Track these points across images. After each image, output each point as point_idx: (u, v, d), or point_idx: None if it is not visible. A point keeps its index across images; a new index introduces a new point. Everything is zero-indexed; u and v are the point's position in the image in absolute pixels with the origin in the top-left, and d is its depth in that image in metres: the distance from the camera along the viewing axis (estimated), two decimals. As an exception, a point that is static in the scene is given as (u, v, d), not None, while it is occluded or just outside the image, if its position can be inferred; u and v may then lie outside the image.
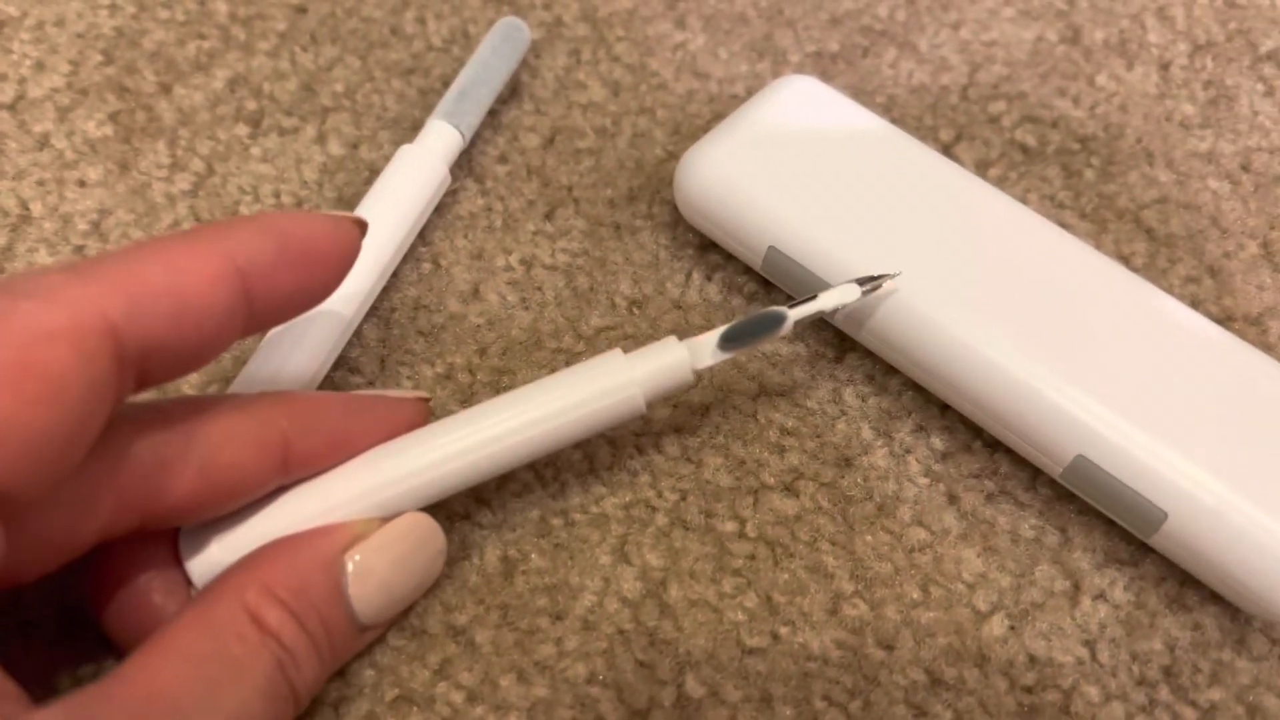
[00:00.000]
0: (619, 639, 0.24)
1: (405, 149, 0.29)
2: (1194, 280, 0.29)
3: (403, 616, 0.24)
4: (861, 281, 0.24)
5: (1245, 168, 0.31)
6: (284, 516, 0.22)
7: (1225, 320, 0.28)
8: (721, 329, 0.24)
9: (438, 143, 0.29)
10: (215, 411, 0.21)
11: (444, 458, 0.22)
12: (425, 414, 0.24)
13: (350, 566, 0.21)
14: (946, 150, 0.31)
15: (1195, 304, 0.28)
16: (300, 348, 0.26)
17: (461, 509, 0.25)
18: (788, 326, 0.24)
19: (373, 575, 0.22)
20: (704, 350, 0.24)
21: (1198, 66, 0.33)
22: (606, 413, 0.23)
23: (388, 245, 0.28)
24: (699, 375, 0.24)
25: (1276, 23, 0.34)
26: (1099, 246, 0.29)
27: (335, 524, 0.22)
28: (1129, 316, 0.25)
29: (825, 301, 0.24)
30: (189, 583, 0.22)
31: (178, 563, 0.22)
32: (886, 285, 0.25)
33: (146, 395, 0.27)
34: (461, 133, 0.30)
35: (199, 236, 0.19)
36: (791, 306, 0.24)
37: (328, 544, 0.21)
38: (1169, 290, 0.28)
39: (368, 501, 0.22)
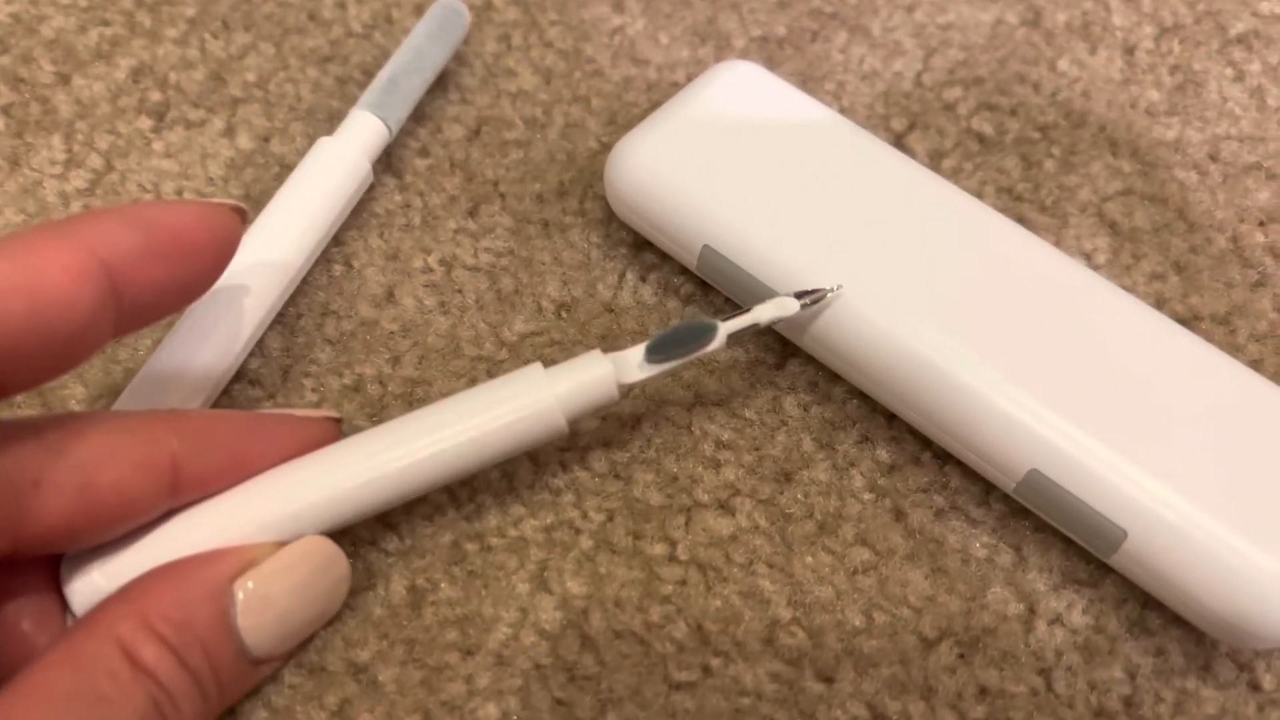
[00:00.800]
0: (535, 675, 0.22)
1: (324, 141, 0.27)
2: (1159, 277, 0.27)
3: (301, 650, 0.22)
4: (800, 295, 0.23)
5: (1214, 157, 0.29)
6: (172, 541, 0.20)
7: (1192, 320, 0.27)
8: (647, 341, 0.22)
9: (360, 135, 0.27)
10: (96, 428, 0.19)
11: (347, 480, 0.21)
12: (334, 435, 0.22)
13: (240, 595, 0.20)
14: (898, 140, 0.30)
15: (1160, 303, 0.27)
16: (197, 356, 0.24)
17: (367, 534, 0.23)
18: (719, 340, 0.22)
19: (266, 605, 0.20)
20: (630, 364, 0.22)
21: (1164, 50, 0.31)
22: (524, 433, 0.21)
23: (299, 247, 0.26)
24: (625, 391, 0.22)
25: (1247, 4, 0.32)
26: (1059, 242, 0.28)
27: (225, 549, 0.20)
28: (1088, 320, 0.23)
29: (760, 314, 0.22)
30: (70, 612, 0.20)
31: (58, 590, 0.20)
32: (827, 298, 0.23)
33: (28, 411, 0.25)
34: (388, 126, 0.28)
35: (56, 229, 0.18)
36: (725, 319, 0.22)
37: (215, 570, 0.20)
38: (1133, 288, 0.27)
39: (263, 525, 0.20)
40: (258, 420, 0.22)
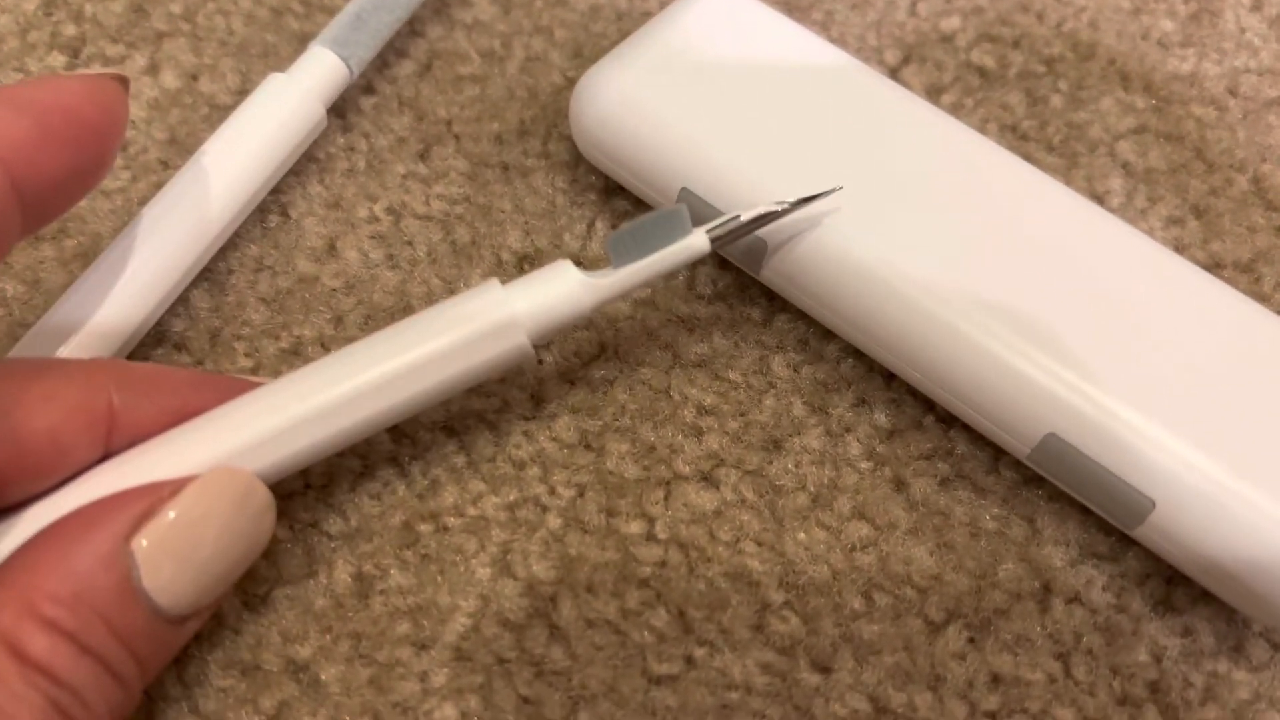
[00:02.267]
0: (499, 671, 0.19)
1: (275, 78, 0.24)
2: (1177, 222, 0.25)
3: (233, 635, 0.19)
4: (796, 204, 0.20)
5: (1232, 92, 0.27)
6: (73, 496, 0.18)
7: (1213, 267, 0.24)
8: (610, 238, 0.19)
9: (316, 75, 0.24)
10: (31, 373, 0.18)
11: (286, 415, 0.18)
12: None
13: (143, 547, 0.17)
14: (893, 75, 0.27)
15: (1179, 249, 0.25)
16: (105, 311, 0.21)
17: (306, 514, 0.21)
18: (698, 238, 0.19)
19: (174, 557, 0.17)
20: (599, 275, 0.19)
21: (1177, -24, 0.29)
22: (483, 356, 0.19)
23: (234, 195, 0.23)
24: (596, 301, 0.19)
25: (1263, -73, 0.30)
26: (1069, 184, 0.25)
27: (115, 496, 0.17)
28: (1110, 269, 0.21)
29: (745, 213, 0.20)
30: None
31: None
32: (822, 204, 0.20)
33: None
34: (349, 66, 0.25)
35: None
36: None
37: (107, 528, 0.17)
38: (1149, 234, 0.25)
39: (177, 470, 0.18)
40: (205, 378, 0.20)
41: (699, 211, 0.22)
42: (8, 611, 0.16)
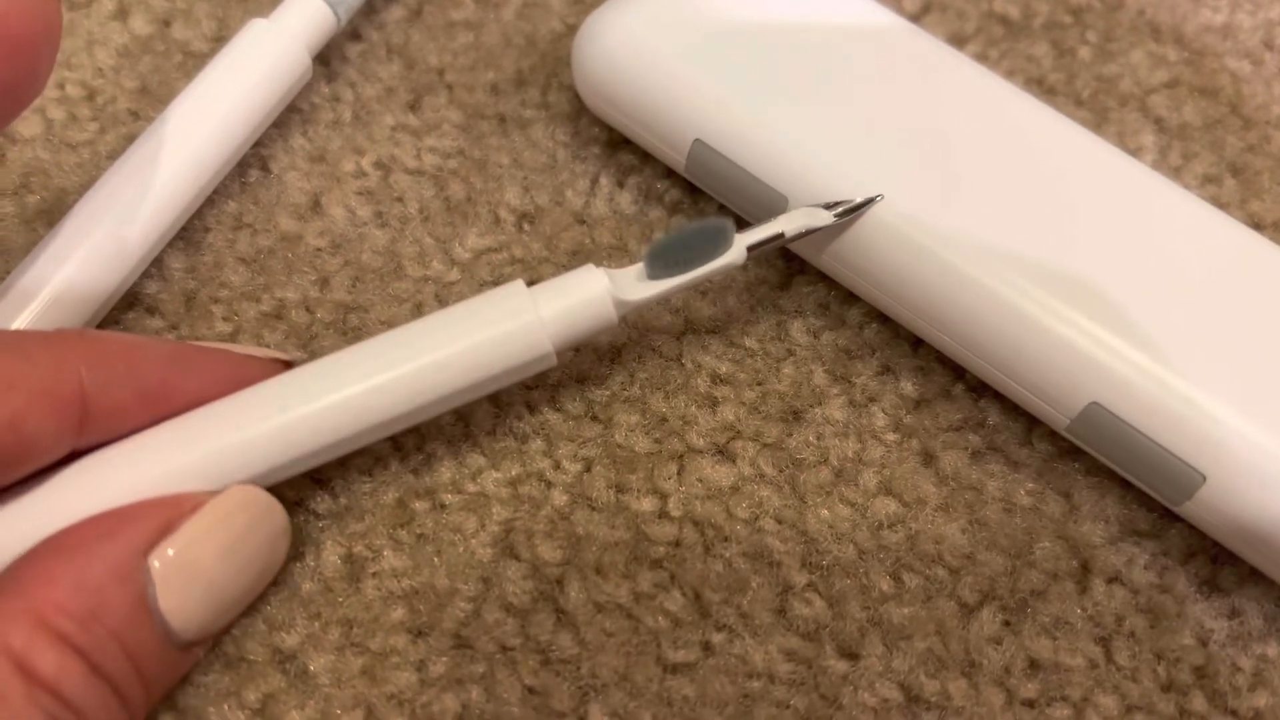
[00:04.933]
0: (502, 660, 0.18)
1: (256, 24, 0.23)
2: (1213, 180, 0.24)
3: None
4: (832, 206, 0.19)
5: (1268, 45, 0.26)
6: (72, 495, 0.16)
7: (1253, 228, 0.23)
8: (647, 248, 0.18)
9: (302, 21, 0.23)
10: None
11: (293, 416, 0.17)
12: None
13: (158, 568, 0.16)
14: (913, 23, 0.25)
15: (1217, 209, 0.23)
16: (75, 273, 0.20)
17: (291, 492, 0.19)
18: (738, 250, 0.18)
19: (192, 577, 0.16)
20: (628, 280, 0.18)
21: (1208, -77, 0.28)
22: (504, 362, 0.18)
23: (213, 150, 0.22)
24: (624, 312, 0.18)
25: (1296, -128, 0.29)
26: (1099, 140, 0.24)
27: (134, 507, 0.16)
28: (1155, 226, 0.20)
29: (786, 224, 0.19)
30: None
31: None
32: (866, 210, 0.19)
33: None
34: (336, 13, 0.23)
35: None
36: (740, 232, 0.19)
37: (125, 540, 0.16)
38: (1186, 192, 0.23)
39: (187, 473, 0.17)
40: (186, 351, 0.18)
41: (712, 167, 0.21)
42: (20, 625, 0.15)
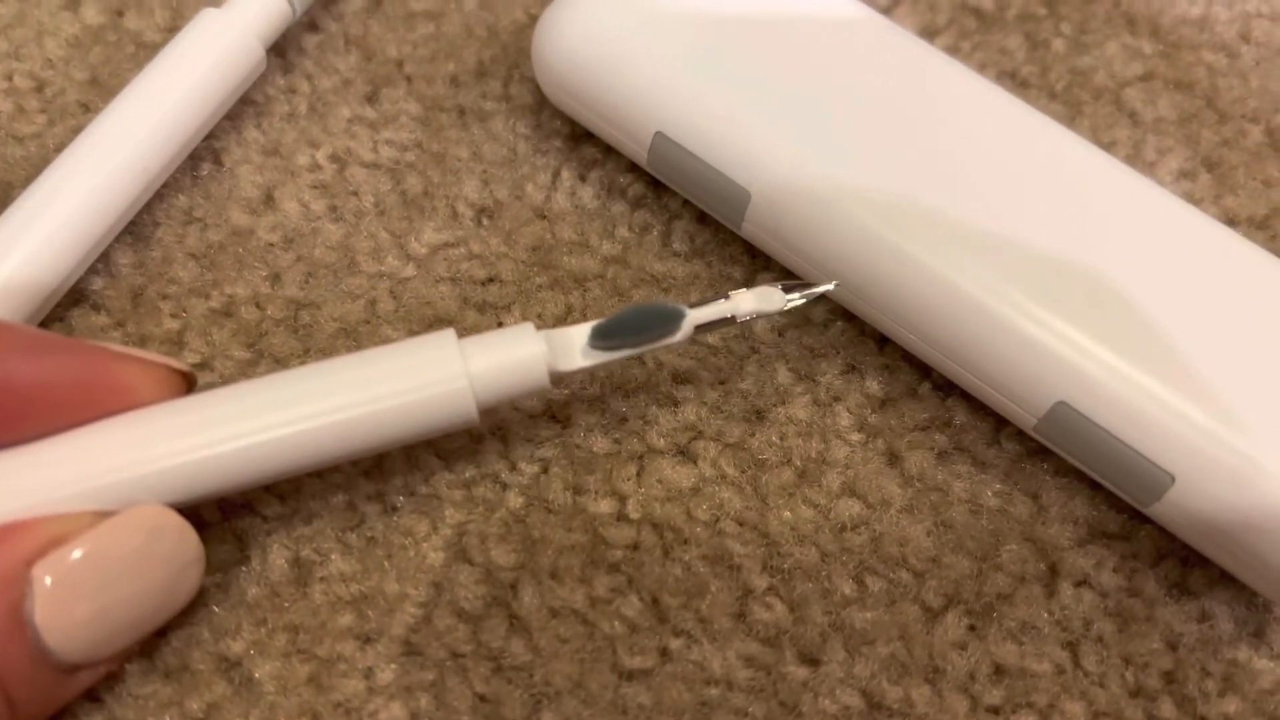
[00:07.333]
0: (453, 667, 0.17)
1: (209, 14, 0.22)
2: (1188, 175, 0.23)
3: (146, 646, 0.17)
4: (789, 288, 0.18)
5: (1245, 38, 0.25)
6: None
7: (1227, 224, 0.23)
8: (593, 323, 0.18)
9: (255, 11, 0.22)
10: None
11: (204, 442, 0.16)
12: (179, 390, 0.17)
13: (43, 581, 0.15)
14: (884, 15, 0.25)
15: (1190, 204, 0.23)
16: (17, 268, 0.19)
17: (238, 494, 0.18)
18: (685, 330, 0.18)
19: (76, 596, 0.15)
20: (570, 347, 0.18)
21: (1185, -86, 0.27)
22: (424, 417, 0.17)
23: (162, 143, 0.21)
24: (558, 379, 0.18)
25: None
26: (1072, 134, 0.24)
27: (22, 522, 0.15)
28: (1125, 221, 0.19)
29: (738, 305, 0.18)
30: None
31: None
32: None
33: None
34: (292, 4, 0.22)
35: None
36: (693, 306, 0.18)
37: (8, 548, 0.15)
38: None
39: (84, 491, 0.16)
40: (89, 352, 0.17)
41: (674, 161, 0.20)
42: None
